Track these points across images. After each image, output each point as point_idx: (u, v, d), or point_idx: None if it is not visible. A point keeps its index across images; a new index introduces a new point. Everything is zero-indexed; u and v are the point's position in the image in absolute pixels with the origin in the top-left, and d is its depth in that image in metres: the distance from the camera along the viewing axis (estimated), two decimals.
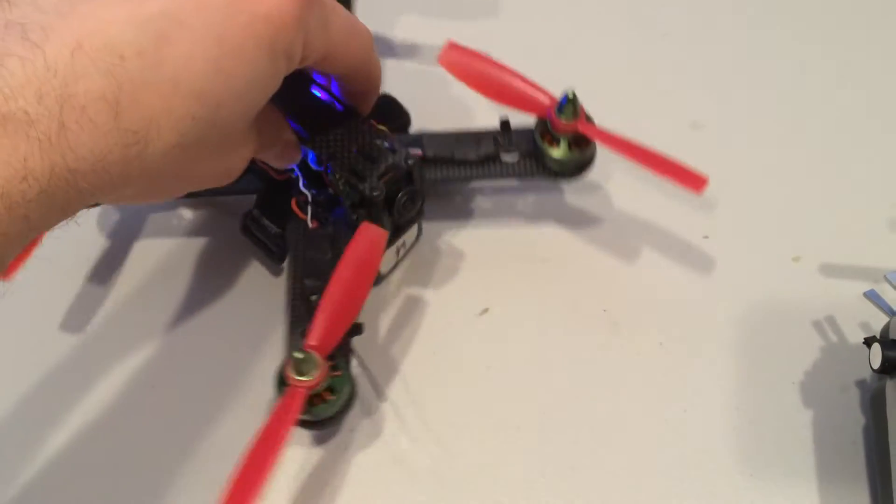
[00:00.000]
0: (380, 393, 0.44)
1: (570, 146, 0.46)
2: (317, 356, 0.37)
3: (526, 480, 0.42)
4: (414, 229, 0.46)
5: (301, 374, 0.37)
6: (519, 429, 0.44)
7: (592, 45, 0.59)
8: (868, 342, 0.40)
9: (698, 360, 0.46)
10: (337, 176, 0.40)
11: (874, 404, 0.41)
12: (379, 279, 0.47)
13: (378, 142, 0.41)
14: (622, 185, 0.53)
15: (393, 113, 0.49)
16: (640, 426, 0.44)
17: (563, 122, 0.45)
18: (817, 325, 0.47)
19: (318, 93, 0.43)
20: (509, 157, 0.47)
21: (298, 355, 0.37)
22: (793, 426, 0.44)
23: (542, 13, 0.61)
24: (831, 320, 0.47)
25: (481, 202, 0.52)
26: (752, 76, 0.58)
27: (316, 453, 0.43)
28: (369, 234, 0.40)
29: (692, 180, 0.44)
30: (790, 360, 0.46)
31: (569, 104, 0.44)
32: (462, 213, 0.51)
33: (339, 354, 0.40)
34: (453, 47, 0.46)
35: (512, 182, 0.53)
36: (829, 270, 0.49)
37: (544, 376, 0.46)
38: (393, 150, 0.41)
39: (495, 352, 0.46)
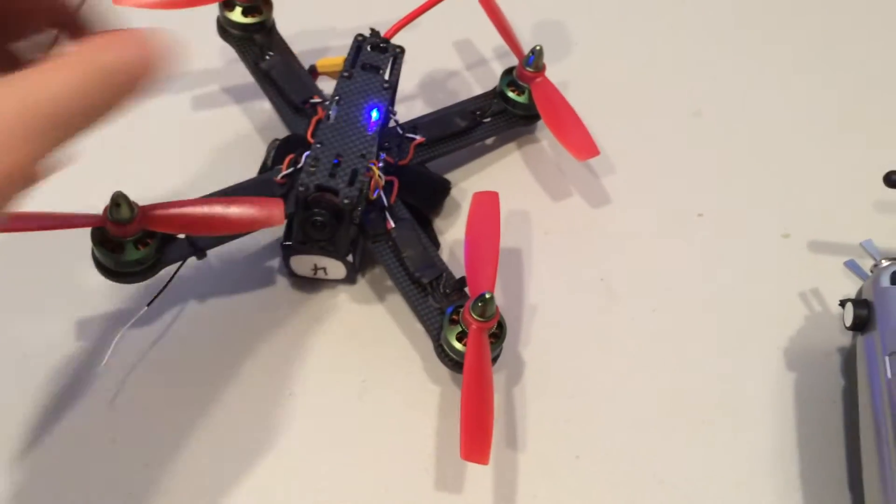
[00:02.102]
0: None
1: (530, 94, 0.53)
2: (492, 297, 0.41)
3: (518, 424, 0.45)
4: (340, 266, 0.48)
5: (483, 316, 0.41)
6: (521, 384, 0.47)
7: (604, 39, 0.63)
8: (843, 303, 0.43)
9: (688, 326, 0.49)
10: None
11: (848, 361, 0.44)
12: (294, 275, 0.49)
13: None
14: (622, 167, 0.56)
15: (432, 187, 0.53)
16: (633, 385, 0.47)
17: (529, 71, 0.52)
18: (803, 296, 0.50)
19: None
20: (487, 119, 0.54)
21: (486, 296, 0.41)
22: (777, 387, 0.47)
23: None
24: (816, 292, 0.50)
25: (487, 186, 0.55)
26: (749, 67, 0.62)
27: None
28: (480, 199, 0.47)
29: (585, 148, 0.51)
30: (777, 327, 0.49)
31: (536, 57, 0.52)
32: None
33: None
34: None
35: (517, 164, 0.56)
36: (816, 247, 0.52)
37: (545, 333, 0.49)
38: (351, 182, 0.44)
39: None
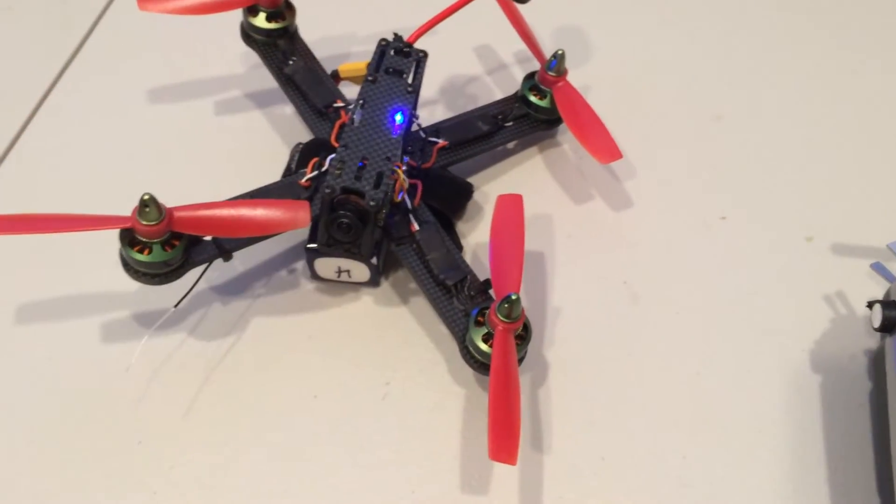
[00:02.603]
0: None
1: (552, 98, 0.53)
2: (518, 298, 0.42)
3: (543, 425, 0.45)
4: (364, 269, 0.48)
5: (509, 317, 0.41)
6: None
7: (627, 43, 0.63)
8: (870, 305, 0.42)
9: (712, 330, 0.49)
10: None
11: (876, 363, 0.44)
12: (318, 278, 0.49)
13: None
14: (644, 170, 0.56)
15: (455, 190, 0.53)
16: (657, 387, 0.47)
17: (551, 76, 0.53)
18: (828, 298, 0.50)
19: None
20: (509, 123, 0.54)
21: (513, 297, 0.41)
22: (802, 389, 0.46)
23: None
24: (841, 294, 0.49)
25: (510, 189, 0.56)
26: (769, 70, 0.62)
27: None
28: (504, 202, 0.47)
29: (608, 151, 0.51)
30: (801, 330, 0.48)
31: (559, 61, 0.52)
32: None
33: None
34: None
35: (539, 168, 0.56)
36: (840, 249, 0.52)
37: (569, 335, 0.49)
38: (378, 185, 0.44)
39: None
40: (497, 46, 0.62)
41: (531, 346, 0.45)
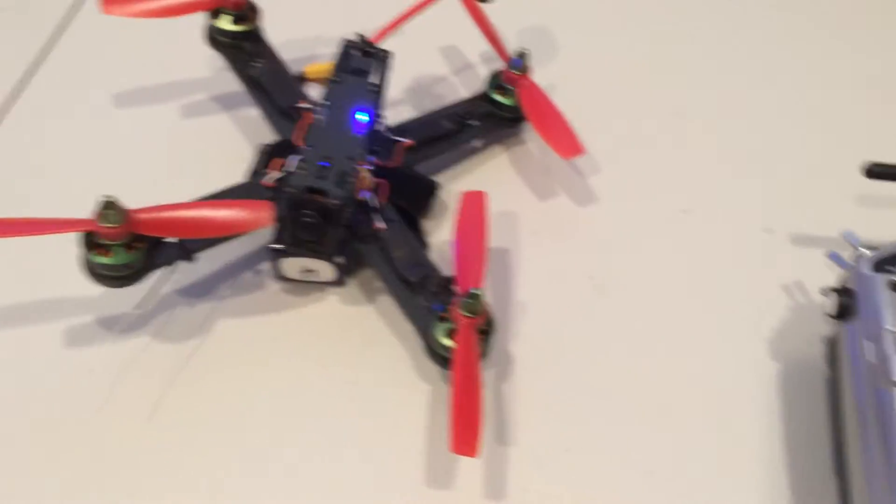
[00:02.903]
0: None
1: (516, 96, 0.54)
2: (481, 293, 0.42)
3: (508, 419, 0.46)
4: (329, 268, 0.48)
5: (472, 312, 0.42)
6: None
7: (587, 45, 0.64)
8: (826, 292, 0.43)
9: (675, 322, 0.49)
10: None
11: (831, 349, 0.45)
12: (283, 279, 0.50)
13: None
14: (608, 167, 0.57)
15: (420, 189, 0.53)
16: (621, 379, 0.47)
17: (515, 74, 0.54)
18: (786, 288, 0.50)
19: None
20: (474, 121, 0.55)
21: (475, 292, 0.42)
22: (763, 378, 0.47)
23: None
24: (800, 284, 0.50)
25: (475, 187, 0.56)
26: (731, 67, 0.63)
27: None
28: (468, 198, 0.47)
29: (570, 147, 0.52)
30: (761, 319, 0.49)
31: (522, 59, 0.53)
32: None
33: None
34: None
35: (504, 166, 0.57)
36: (799, 240, 0.53)
37: (534, 330, 0.49)
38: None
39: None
40: (463, 46, 0.63)
41: (496, 342, 0.46)
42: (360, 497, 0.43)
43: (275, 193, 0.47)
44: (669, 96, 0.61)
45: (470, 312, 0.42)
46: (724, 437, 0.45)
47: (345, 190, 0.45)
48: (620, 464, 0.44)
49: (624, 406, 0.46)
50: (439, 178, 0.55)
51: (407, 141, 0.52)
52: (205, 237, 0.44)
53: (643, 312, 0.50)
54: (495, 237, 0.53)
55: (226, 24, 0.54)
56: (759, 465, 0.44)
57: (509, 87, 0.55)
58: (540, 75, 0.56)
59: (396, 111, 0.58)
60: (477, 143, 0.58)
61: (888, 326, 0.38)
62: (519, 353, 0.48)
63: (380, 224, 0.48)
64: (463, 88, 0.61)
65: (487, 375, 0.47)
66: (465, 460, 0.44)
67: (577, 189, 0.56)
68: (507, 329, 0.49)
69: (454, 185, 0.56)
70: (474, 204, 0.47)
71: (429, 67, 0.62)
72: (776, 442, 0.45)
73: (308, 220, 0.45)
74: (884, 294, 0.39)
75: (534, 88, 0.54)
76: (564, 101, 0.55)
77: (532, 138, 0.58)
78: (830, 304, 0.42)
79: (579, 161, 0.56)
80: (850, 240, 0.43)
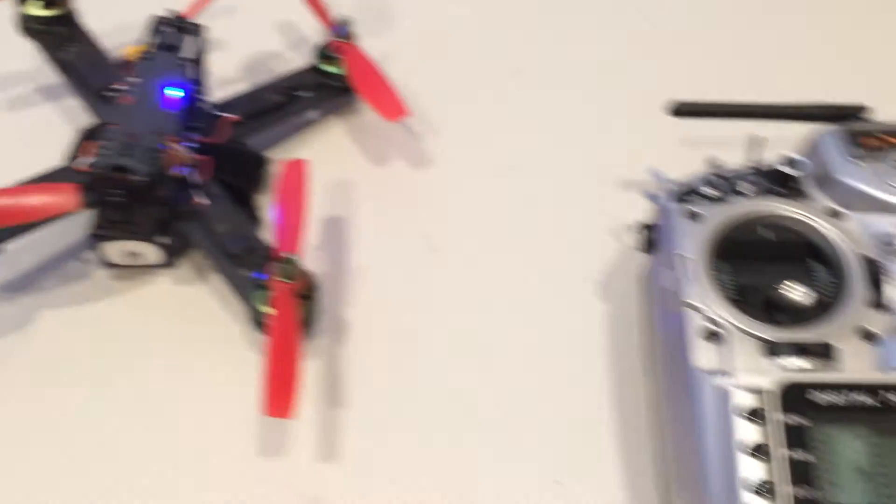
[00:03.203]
0: None
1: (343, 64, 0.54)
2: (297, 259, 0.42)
3: (342, 382, 0.46)
4: (153, 249, 0.47)
5: (286, 276, 0.42)
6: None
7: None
8: (637, 228, 0.44)
9: (508, 273, 0.50)
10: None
11: (644, 284, 0.46)
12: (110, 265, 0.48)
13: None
14: (445, 129, 0.57)
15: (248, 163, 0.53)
16: (457, 334, 0.48)
17: (339, 42, 0.54)
18: (613, 231, 0.51)
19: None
20: (304, 93, 0.54)
21: (288, 256, 0.41)
22: (587, 318, 0.48)
23: None
24: (626, 227, 0.51)
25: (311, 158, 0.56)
26: (561, 21, 0.63)
27: None
28: (288, 167, 0.47)
29: (394, 110, 0.52)
30: (587, 262, 0.50)
31: (345, 26, 0.54)
32: None
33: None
34: None
35: (341, 136, 0.57)
36: (626, 185, 0.53)
37: (371, 294, 0.49)
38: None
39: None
40: (297, 21, 0.62)
41: (331, 308, 0.46)
42: (191, 470, 0.42)
43: (86, 176, 0.46)
44: (501, 55, 0.61)
45: (285, 277, 0.42)
46: (554, 381, 0.46)
47: (152, 166, 0.44)
48: (453, 416, 0.45)
49: (458, 359, 0.47)
50: (275, 152, 0.55)
51: (232, 116, 0.51)
52: (5, 225, 0.43)
53: (477, 269, 0.50)
54: (332, 206, 0.53)
55: (35, 9, 0.52)
56: (584, 403, 0.45)
57: (336, 55, 0.54)
58: (375, 44, 0.56)
59: (230, 88, 0.57)
60: (312, 114, 0.57)
61: (680, 252, 0.39)
62: (354, 317, 0.48)
63: (200, 200, 0.47)
64: (299, 61, 0.60)
65: (321, 342, 0.47)
66: (297, 428, 0.44)
67: (413, 153, 0.56)
68: (341, 295, 0.49)
69: (291, 157, 0.55)
70: (294, 172, 0.47)
71: (262, 45, 0.61)
72: (602, 380, 0.46)
73: (115, 199, 0.44)
74: (680, 222, 0.40)
75: (358, 55, 0.54)
76: (400, 68, 0.55)
77: (369, 107, 0.58)
78: (638, 237, 0.43)
79: (415, 126, 0.56)
80: (656, 176, 0.44)
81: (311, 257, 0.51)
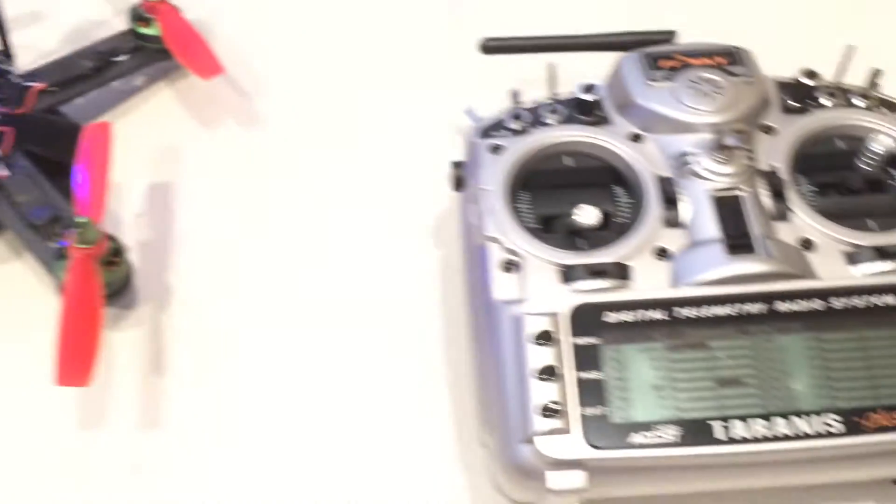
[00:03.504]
0: None
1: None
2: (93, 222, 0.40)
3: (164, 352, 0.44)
4: None
5: (84, 242, 0.40)
6: None
7: None
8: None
9: (334, 223, 0.49)
10: None
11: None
12: None
13: None
14: (274, 88, 0.55)
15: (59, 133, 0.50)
16: (283, 288, 0.47)
17: (153, 2, 0.52)
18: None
19: None
20: (122, 57, 0.52)
21: (82, 220, 0.40)
22: (423, 266, 0.47)
23: None
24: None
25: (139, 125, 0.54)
26: None
27: None
28: (89, 132, 0.46)
29: (208, 67, 0.51)
30: (423, 210, 0.49)
31: None
32: None
33: None
34: None
35: (170, 101, 0.55)
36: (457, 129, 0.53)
37: (198, 260, 0.48)
38: None
39: None
40: None
41: (154, 277, 0.45)
42: (15, 445, 0.41)
43: None
44: (326, 10, 0.59)
45: (83, 243, 0.40)
46: (390, 329, 0.45)
47: None
48: (284, 380, 0.44)
49: (289, 321, 0.46)
50: (99, 120, 0.52)
51: (39, 84, 0.49)
52: None
53: (304, 224, 0.49)
54: (158, 173, 0.52)
55: None
56: (416, 346, 0.44)
57: (150, 16, 0.52)
58: (195, 2, 0.55)
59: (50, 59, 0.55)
60: (139, 80, 0.55)
61: (484, 185, 0.39)
62: (179, 284, 0.47)
63: (3, 172, 0.45)
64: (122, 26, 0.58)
65: (143, 310, 0.46)
66: (120, 399, 0.42)
67: (243, 115, 0.55)
68: (166, 262, 0.48)
69: (118, 125, 0.53)
70: (95, 137, 0.45)
71: (81, 10, 0.58)
72: (436, 325, 0.45)
73: None
74: (483, 157, 0.40)
75: (172, 14, 0.52)
76: (223, 35, 0.54)
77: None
78: (450, 178, 0.43)
79: (245, 87, 0.55)
80: (470, 115, 0.43)
81: (135, 224, 0.49)
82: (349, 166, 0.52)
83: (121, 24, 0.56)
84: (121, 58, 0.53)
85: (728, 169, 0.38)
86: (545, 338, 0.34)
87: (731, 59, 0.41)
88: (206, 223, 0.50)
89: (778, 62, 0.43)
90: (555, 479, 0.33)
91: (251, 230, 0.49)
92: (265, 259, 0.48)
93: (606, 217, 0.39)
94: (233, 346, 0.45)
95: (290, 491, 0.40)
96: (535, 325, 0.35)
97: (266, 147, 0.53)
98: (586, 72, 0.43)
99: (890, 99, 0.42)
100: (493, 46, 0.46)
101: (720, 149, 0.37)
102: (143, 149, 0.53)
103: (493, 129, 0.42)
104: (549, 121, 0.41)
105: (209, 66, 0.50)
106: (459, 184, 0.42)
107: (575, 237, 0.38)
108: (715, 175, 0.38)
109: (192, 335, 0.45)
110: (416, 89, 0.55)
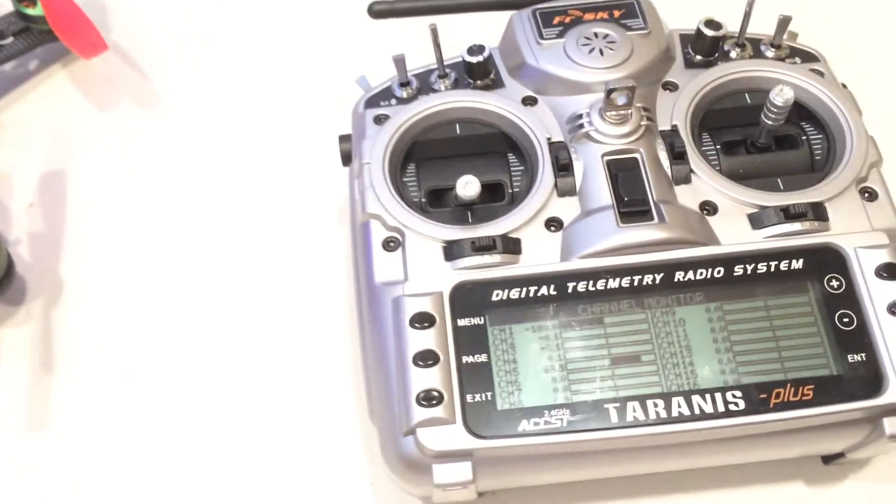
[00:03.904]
0: None
1: None
2: None
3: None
4: None
5: None
6: None
7: None
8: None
9: (241, 205, 0.47)
10: None
11: None
12: None
13: None
14: (173, 63, 0.53)
15: None
16: (181, 278, 0.44)
17: None
18: None
19: None
20: (6, 40, 0.49)
21: None
22: (328, 245, 0.45)
23: None
24: None
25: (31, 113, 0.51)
26: None
27: None
28: None
29: (91, 46, 0.48)
30: (328, 187, 0.46)
31: None
32: None
33: None
34: None
35: (62, 85, 0.52)
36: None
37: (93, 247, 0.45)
38: None
39: None
40: None
41: (46, 270, 0.43)
42: None
43: None
44: None
45: None
46: (295, 312, 0.43)
47: None
48: (183, 370, 0.41)
49: (189, 311, 0.43)
50: None
51: None
52: None
53: (211, 208, 0.47)
54: (51, 160, 0.49)
55: None
56: (327, 332, 0.42)
57: None
58: None
59: None
60: (31, 64, 0.52)
61: (367, 160, 0.36)
62: (71, 276, 0.45)
63: None
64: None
65: (34, 305, 0.44)
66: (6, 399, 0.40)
67: (140, 96, 0.52)
68: (58, 254, 0.45)
69: (9, 112, 0.51)
70: None
71: None
72: (342, 308, 0.43)
73: None
74: (369, 128, 0.37)
75: None
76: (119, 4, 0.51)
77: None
78: (341, 151, 0.40)
79: (144, 66, 0.52)
80: (361, 84, 0.41)
81: (25, 215, 0.47)
82: (250, 144, 0.49)
83: (6, 5, 0.53)
84: (7, 40, 0.50)
85: (622, 129, 0.35)
86: (425, 320, 0.32)
87: (627, 12, 0.38)
88: (101, 212, 0.47)
89: (686, 13, 0.40)
90: (440, 472, 0.31)
91: (148, 217, 0.47)
92: (162, 247, 0.46)
93: (499, 188, 0.36)
94: (129, 341, 0.42)
95: (190, 490, 0.38)
96: (414, 307, 0.32)
97: (163, 129, 0.50)
98: (484, 36, 0.40)
99: (803, 47, 0.39)
100: (380, 10, 0.43)
101: (611, 108, 0.34)
102: (35, 136, 0.50)
103: (380, 98, 0.39)
104: (438, 87, 0.38)
105: (91, 44, 0.47)
106: (347, 158, 0.39)
107: (466, 211, 0.35)
108: (608, 137, 0.35)
109: (84, 330, 0.43)
110: (313, 60, 0.52)
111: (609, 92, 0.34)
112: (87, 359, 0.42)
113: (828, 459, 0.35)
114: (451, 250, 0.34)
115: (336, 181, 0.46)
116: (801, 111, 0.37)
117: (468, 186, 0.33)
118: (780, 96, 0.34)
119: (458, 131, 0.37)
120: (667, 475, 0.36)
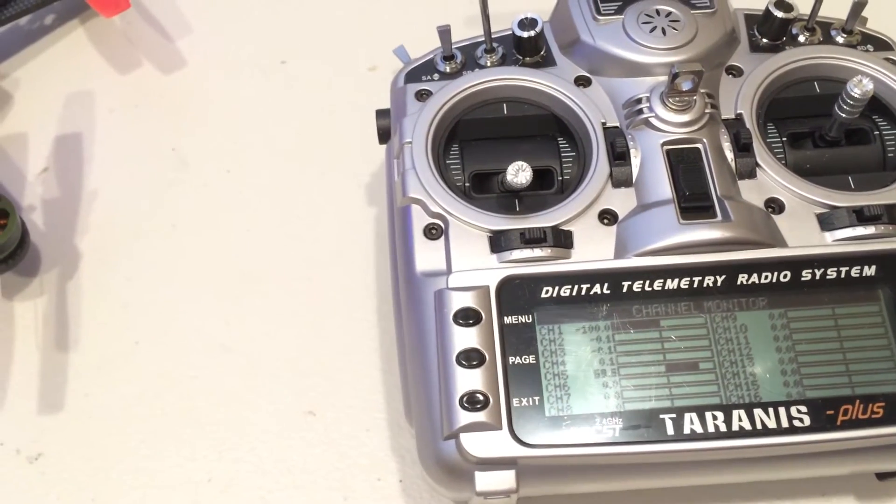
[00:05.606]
0: None
1: None
2: None
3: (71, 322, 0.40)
4: None
5: None
6: None
7: None
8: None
9: (266, 180, 0.45)
10: None
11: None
12: None
13: None
14: (200, 24, 0.50)
15: None
16: (201, 253, 0.42)
17: None
18: None
19: None
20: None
21: None
22: (357, 225, 0.43)
23: None
24: None
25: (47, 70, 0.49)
26: None
27: None
28: None
29: (112, 3, 0.45)
30: (363, 162, 0.44)
31: None
32: None
33: None
34: None
35: (80, 43, 0.50)
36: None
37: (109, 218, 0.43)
38: None
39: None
40: None
41: (59, 238, 0.41)
42: None
43: None
44: None
45: None
46: (319, 296, 0.41)
47: None
48: (196, 345, 0.39)
49: (204, 282, 0.41)
50: (9, 64, 0.48)
51: None
52: None
53: (231, 178, 0.45)
54: (63, 122, 0.47)
55: None
56: (351, 320, 0.40)
57: None
58: None
59: None
60: (48, 19, 0.50)
61: (408, 139, 0.34)
62: (87, 247, 0.42)
63: None
64: None
65: (49, 277, 0.42)
66: (21, 378, 0.39)
67: (164, 56, 0.49)
68: (75, 223, 0.43)
69: (24, 69, 0.48)
70: None
71: None
72: (368, 294, 0.41)
73: None
74: (410, 104, 0.35)
75: None
76: None
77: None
78: (379, 127, 0.37)
79: (167, 25, 0.50)
80: (400, 55, 0.38)
81: (39, 181, 0.45)
82: (273, 112, 0.47)
83: None
84: None
85: (684, 117, 0.32)
86: (470, 316, 0.30)
87: None
88: (119, 179, 0.45)
89: None
90: (483, 479, 0.29)
91: (168, 185, 0.45)
92: (183, 218, 0.44)
93: (548, 175, 0.34)
94: (147, 316, 0.41)
95: (213, 469, 0.36)
96: (458, 302, 0.30)
97: (185, 92, 0.48)
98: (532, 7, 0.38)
99: (876, 34, 0.37)
100: None
101: (675, 93, 0.32)
102: (50, 96, 0.48)
103: (421, 71, 0.36)
104: (484, 62, 0.36)
105: (113, 0, 0.45)
106: (385, 136, 0.37)
107: (513, 198, 0.33)
108: (669, 125, 0.33)
109: (101, 303, 0.41)
110: (341, 28, 0.50)
111: (674, 76, 0.31)
112: (103, 334, 0.40)
113: (883, 476, 0.33)
114: (498, 241, 0.31)
115: (367, 158, 0.44)
116: (873, 103, 0.34)
117: (520, 174, 0.31)
118: (859, 88, 0.31)
119: (504, 111, 0.35)
120: (713, 485, 0.34)
